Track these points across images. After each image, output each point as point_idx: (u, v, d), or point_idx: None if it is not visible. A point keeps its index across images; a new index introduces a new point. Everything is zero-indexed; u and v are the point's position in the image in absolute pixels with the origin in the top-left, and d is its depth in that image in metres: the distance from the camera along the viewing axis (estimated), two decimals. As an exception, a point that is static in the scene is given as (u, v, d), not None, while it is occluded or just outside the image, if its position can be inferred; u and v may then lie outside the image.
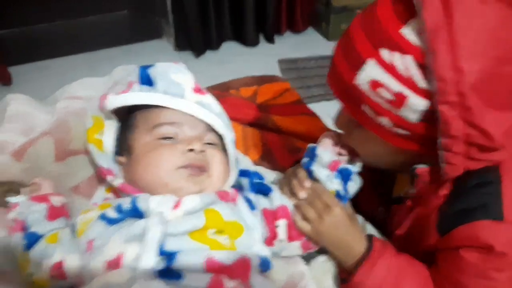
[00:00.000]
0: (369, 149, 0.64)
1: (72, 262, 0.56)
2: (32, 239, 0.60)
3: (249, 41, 2.44)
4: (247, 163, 0.87)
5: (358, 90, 0.55)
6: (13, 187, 0.65)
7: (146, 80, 0.64)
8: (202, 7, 2.20)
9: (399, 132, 0.56)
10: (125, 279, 0.49)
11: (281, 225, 0.66)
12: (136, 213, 0.57)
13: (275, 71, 2.23)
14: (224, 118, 0.68)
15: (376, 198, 0.81)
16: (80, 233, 0.57)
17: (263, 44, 2.47)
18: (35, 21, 2.25)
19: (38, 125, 0.76)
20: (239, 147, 0.96)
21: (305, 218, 0.65)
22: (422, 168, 0.65)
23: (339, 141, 0.71)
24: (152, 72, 0.65)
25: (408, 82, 0.51)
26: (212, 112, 0.65)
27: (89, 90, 0.84)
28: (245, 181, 0.70)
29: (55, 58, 2.30)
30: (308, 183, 0.68)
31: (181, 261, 0.51)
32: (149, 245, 0.51)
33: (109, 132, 0.70)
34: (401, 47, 0.51)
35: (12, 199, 0.63)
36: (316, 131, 0.97)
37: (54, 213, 0.63)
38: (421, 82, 0.51)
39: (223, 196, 0.62)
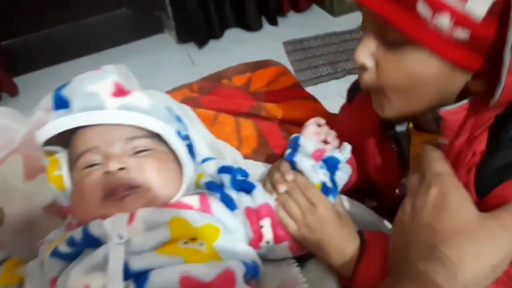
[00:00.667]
0: (406, 79, 0.51)
1: None
2: None
3: (252, 26, 2.38)
4: (236, 157, 0.82)
5: None
6: None
7: (60, 103, 0.58)
8: (201, -3, 2.16)
9: (458, 36, 0.45)
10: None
11: (266, 225, 0.60)
12: (92, 242, 0.52)
13: (281, 54, 2.17)
14: (159, 113, 0.60)
15: (399, 166, 0.66)
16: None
17: (266, 28, 2.41)
18: (37, 28, 2.25)
19: (16, 141, 0.73)
20: (232, 140, 0.92)
21: (290, 215, 0.59)
22: (449, 110, 0.52)
23: (324, 127, 0.65)
24: (66, 91, 0.59)
25: None
26: (140, 111, 0.58)
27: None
28: (226, 178, 0.64)
29: (61, 63, 2.31)
30: (290, 176, 0.61)
31: (154, 283, 0.46)
32: (112, 271, 0.47)
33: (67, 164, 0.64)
34: None
35: None
36: (314, 115, 0.92)
37: None
38: None
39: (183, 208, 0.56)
